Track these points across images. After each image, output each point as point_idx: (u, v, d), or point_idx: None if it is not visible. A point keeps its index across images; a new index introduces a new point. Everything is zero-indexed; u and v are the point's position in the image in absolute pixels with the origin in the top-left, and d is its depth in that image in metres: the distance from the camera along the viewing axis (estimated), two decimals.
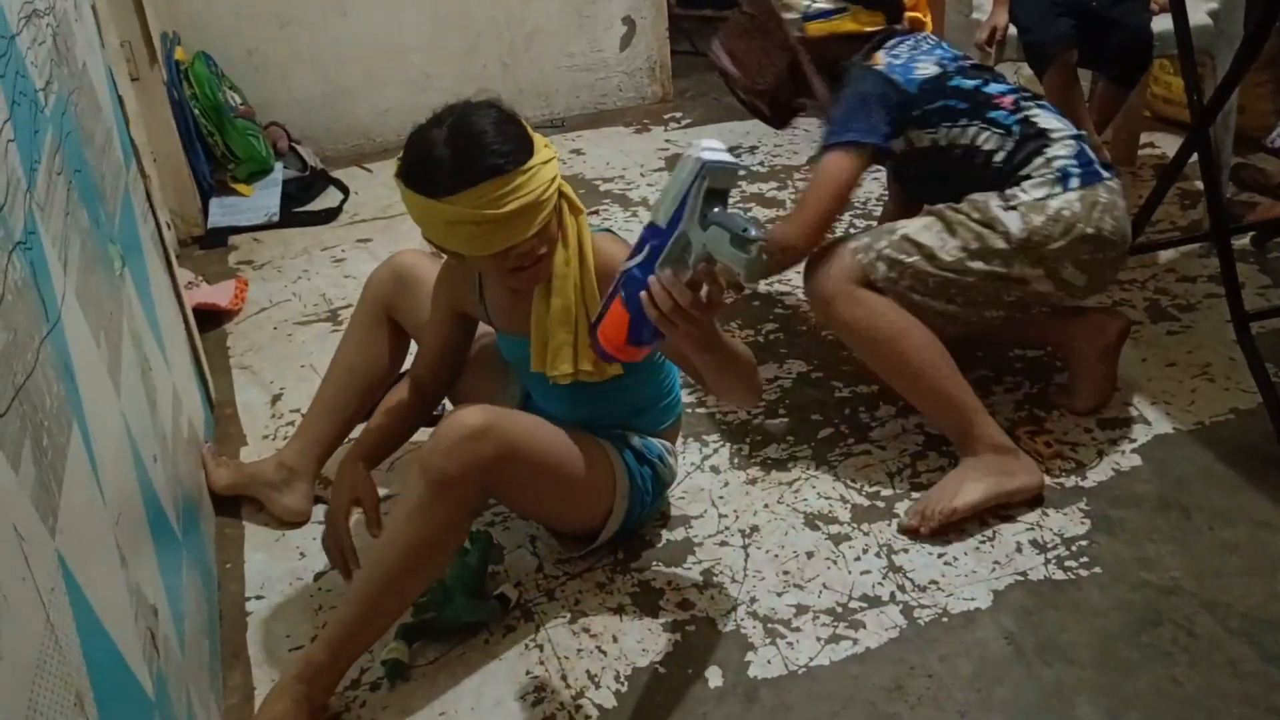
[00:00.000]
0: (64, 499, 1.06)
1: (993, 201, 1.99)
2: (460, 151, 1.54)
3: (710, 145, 1.32)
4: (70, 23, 1.83)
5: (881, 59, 2.10)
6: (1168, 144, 3.41)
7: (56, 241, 1.29)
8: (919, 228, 2.02)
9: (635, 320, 1.39)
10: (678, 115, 3.99)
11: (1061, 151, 2.01)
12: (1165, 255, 2.79)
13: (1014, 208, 1.97)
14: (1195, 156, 2.28)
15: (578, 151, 3.89)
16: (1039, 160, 2.00)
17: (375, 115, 3.78)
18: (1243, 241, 2.79)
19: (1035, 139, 2.02)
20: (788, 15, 2.23)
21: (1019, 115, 2.04)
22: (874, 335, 2.00)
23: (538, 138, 1.63)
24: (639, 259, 1.38)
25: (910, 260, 1.99)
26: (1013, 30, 2.85)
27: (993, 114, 2.04)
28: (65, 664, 0.95)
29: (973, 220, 1.99)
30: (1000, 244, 1.97)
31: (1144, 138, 3.42)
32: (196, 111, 3.29)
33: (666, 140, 3.78)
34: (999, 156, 2.02)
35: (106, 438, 1.32)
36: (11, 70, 1.28)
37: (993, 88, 2.08)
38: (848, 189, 2.07)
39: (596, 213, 3.29)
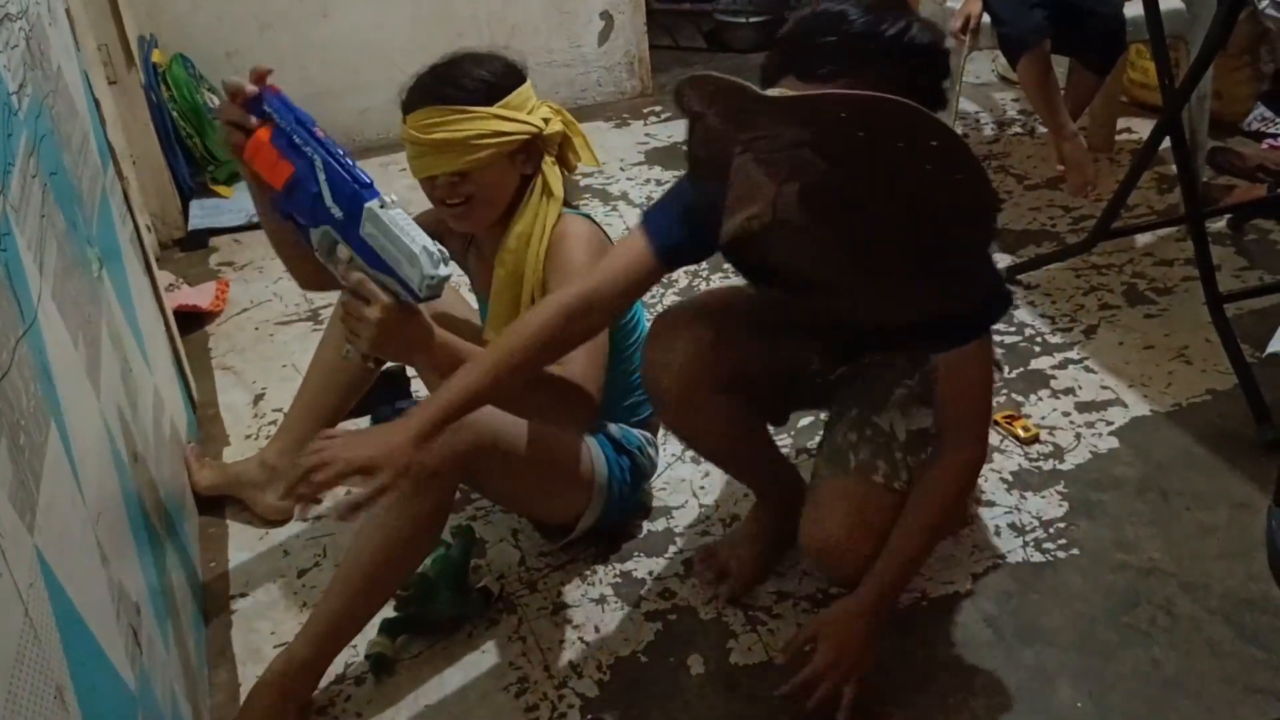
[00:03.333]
0: (42, 496, 1.07)
1: None
2: (429, 77, 1.69)
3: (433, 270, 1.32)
4: (44, 27, 1.83)
5: None
6: (1145, 129, 3.40)
7: (32, 244, 1.30)
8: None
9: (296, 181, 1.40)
10: (657, 109, 3.99)
11: None
12: (1142, 239, 2.81)
13: None
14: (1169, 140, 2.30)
15: None
16: None
17: (356, 115, 3.77)
18: (1220, 224, 2.81)
19: None
20: None
21: None
22: None
23: (543, 111, 1.71)
24: (336, 202, 1.37)
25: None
26: (986, 18, 2.86)
27: None
28: (45, 658, 0.96)
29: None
30: None
31: (1121, 123, 3.43)
32: (175, 114, 3.28)
33: (646, 134, 3.78)
34: None
35: (86, 437, 1.32)
36: None
37: None
38: None
39: (576, 207, 3.29)
